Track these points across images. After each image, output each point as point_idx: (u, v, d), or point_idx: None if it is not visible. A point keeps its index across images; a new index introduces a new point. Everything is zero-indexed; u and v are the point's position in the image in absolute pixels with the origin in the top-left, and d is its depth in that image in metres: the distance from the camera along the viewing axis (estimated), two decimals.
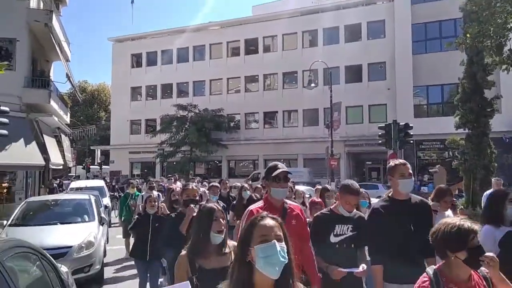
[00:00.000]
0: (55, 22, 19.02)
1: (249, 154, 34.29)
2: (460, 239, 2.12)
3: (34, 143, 16.59)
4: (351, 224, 3.53)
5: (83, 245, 7.38)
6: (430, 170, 24.34)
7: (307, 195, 8.10)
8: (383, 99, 30.01)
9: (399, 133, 14.56)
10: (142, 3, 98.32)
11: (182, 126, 33.07)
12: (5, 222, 8.22)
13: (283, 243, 1.71)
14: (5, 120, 10.08)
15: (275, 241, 1.68)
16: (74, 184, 18.04)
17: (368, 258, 3.53)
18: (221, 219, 2.74)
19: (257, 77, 35.18)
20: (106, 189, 17.26)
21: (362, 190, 6.16)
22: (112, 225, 14.48)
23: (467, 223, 2.16)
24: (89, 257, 7.36)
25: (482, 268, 2.24)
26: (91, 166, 40.04)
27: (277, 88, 34.58)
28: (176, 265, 2.68)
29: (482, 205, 8.64)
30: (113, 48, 40.65)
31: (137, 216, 6.06)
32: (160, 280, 6.10)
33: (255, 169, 32.86)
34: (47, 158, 17.89)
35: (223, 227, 2.72)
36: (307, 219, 3.68)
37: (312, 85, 21.84)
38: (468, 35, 9.32)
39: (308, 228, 3.45)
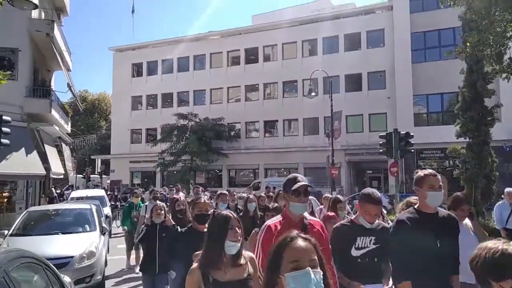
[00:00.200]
0: (56, 32, 19.15)
1: (250, 163, 34.28)
2: (505, 267, 1.82)
3: (35, 153, 16.60)
4: (374, 236, 3.31)
5: (84, 255, 7.35)
6: None
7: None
8: (383, 108, 30.09)
9: (400, 142, 14.54)
10: (143, 13, 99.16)
11: (182, 135, 33.10)
12: (6, 231, 8.17)
13: (319, 268, 1.48)
14: (7, 129, 10.09)
15: (309, 268, 1.45)
16: (75, 193, 17.99)
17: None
18: (237, 228, 2.57)
19: (257, 86, 35.31)
20: (106, 198, 17.23)
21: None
22: (112, 236, 14.40)
23: None
24: (90, 267, 7.32)
25: None
26: (91, 175, 40.04)
27: (277, 97, 34.69)
28: (188, 279, 2.49)
29: (494, 215, 8.58)
30: (113, 58, 40.87)
31: (144, 227, 5.78)
32: None
33: (255, 178, 32.82)
34: (47, 168, 17.90)
35: (239, 237, 2.55)
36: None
37: (313, 94, 21.89)
38: (468, 44, 9.36)
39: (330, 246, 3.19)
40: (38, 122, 18.45)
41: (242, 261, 2.55)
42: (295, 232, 1.62)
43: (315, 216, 5.37)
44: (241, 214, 6.87)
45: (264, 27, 35.71)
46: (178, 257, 3.87)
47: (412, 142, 15.53)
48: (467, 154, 14.84)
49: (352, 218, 3.52)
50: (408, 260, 3.03)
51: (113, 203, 20.59)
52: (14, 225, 8.45)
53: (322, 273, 1.49)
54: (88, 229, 8.54)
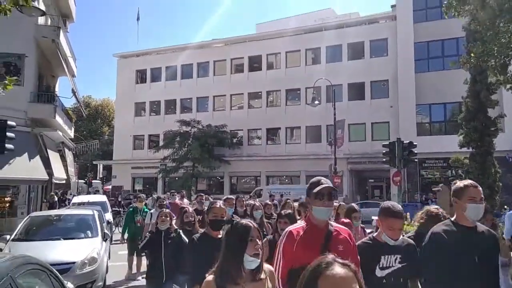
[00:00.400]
0: (62, 38, 19.27)
1: (252, 170, 34.26)
2: None
3: (38, 158, 16.63)
4: (399, 254, 3.03)
5: (86, 261, 7.30)
6: (433, 189, 24.20)
7: None
8: (385, 117, 30.09)
9: (403, 151, 14.53)
10: (148, 20, 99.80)
11: (185, 142, 33.15)
12: (8, 236, 8.15)
13: None
14: (11, 135, 10.10)
15: None
16: (76, 199, 18.01)
17: None
18: (257, 240, 2.35)
19: (260, 93, 35.40)
20: (108, 204, 17.22)
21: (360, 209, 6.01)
22: (113, 242, 14.34)
23: None
24: (92, 273, 7.28)
25: None
26: (92, 181, 40.04)
27: (280, 104, 34.76)
28: None
29: (505, 224, 8.52)
30: (118, 64, 41.10)
31: (148, 233, 5.62)
32: None
33: (257, 185, 32.76)
34: (50, 173, 17.91)
35: (260, 249, 2.33)
36: None
37: (316, 102, 21.94)
38: (472, 54, 9.38)
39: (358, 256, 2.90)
40: (42, 127, 18.49)
41: (262, 275, 2.35)
42: (330, 257, 1.37)
43: None
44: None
45: (268, 36, 35.89)
46: (182, 269, 3.76)
47: (415, 151, 15.52)
48: (470, 164, 14.84)
49: (374, 235, 3.25)
50: (442, 278, 2.81)
51: (116, 208, 20.59)
52: (16, 230, 8.43)
53: None
54: (90, 235, 8.51)
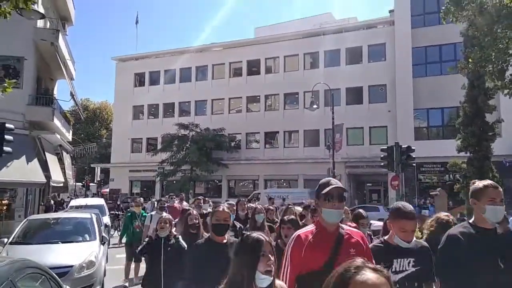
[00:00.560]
0: (61, 41, 19.28)
1: (250, 174, 34.25)
2: None
3: (35, 160, 16.59)
4: (412, 258, 2.88)
5: (84, 264, 7.29)
6: (431, 193, 24.27)
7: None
8: (383, 121, 30.16)
9: (401, 155, 14.57)
10: (147, 24, 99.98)
11: (183, 145, 33.12)
12: (5, 240, 8.13)
13: None
14: (10, 137, 10.09)
15: None
16: (74, 202, 17.97)
17: None
18: (270, 255, 2.16)
19: (258, 97, 35.44)
20: (106, 207, 17.16)
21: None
22: (111, 246, 14.28)
23: None
24: (90, 277, 7.27)
25: None
26: (90, 184, 39.98)
27: (278, 108, 34.80)
28: None
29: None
30: (116, 67, 41.12)
31: (147, 239, 5.44)
32: None
33: (255, 189, 32.75)
34: (48, 176, 17.86)
35: (272, 265, 2.14)
36: None
37: (314, 106, 21.98)
38: (470, 60, 9.45)
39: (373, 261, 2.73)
40: (40, 130, 18.47)
41: None
42: (360, 261, 1.24)
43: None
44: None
45: (266, 40, 36.00)
46: (181, 274, 3.61)
47: (413, 156, 15.56)
48: (468, 168, 14.90)
49: (385, 238, 3.07)
50: (463, 282, 2.66)
51: (115, 212, 20.52)
52: (14, 233, 8.41)
53: None
54: (88, 238, 8.49)
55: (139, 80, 40.42)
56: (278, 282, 2.28)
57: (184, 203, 12.52)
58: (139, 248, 5.46)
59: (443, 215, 4.06)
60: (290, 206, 6.56)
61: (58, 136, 20.02)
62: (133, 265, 9.81)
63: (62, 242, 8.06)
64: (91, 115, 55.78)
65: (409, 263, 2.89)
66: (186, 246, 4.81)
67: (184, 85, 37.92)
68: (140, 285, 7.88)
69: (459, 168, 16.55)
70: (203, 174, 32.64)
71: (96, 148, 48.01)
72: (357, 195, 31.83)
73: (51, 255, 7.32)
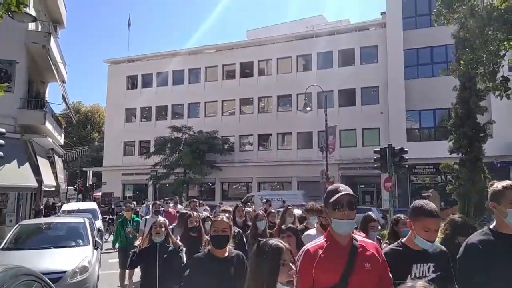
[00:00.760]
0: (52, 44, 19.13)
1: (243, 176, 34.23)
2: None
3: (27, 165, 16.41)
4: (432, 263, 2.66)
5: (77, 270, 7.22)
6: (423, 194, 24.41)
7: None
8: (376, 123, 30.33)
9: (394, 157, 14.65)
10: (139, 26, 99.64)
11: (176, 148, 33.01)
12: None
13: None
14: (1, 141, 9.97)
15: None
16: (66, 206, 17.80)
17: None
18: (291, 263, 1.97)
19: (251, 99, 35.47)
20: (98, 211, 17.03)
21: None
22: (104, 251, 14.13)
23: None
24: (83, 282, 7.19)
25: None
26: (81, 188, 39.67)
27: (271, 110, 34.85)
28: None
29: None
30: (109, 70, 40.92)
31: (134, 251, 4.90)
32: None
33: (248, 191, 32.70)
34: (39, 180, 17.69)
35: (294, 275, 1.96)
36: None
37: (308, 108, 22.03)
38: (462, 62, 9.54)
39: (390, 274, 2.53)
40: (31, 133, 18.28)
41: None
42: (420, 284, 1.15)
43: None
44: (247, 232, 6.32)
45: (259, 42, 36.07)
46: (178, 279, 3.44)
47: (406, 157, 15.64)
48: (460, 169, 15.01)
49: (403, 240, 2.83)
50: None
51: (109, 216, 20.37)
52: (6, 238, 8.31)
53: None
54: (81, 243, 8.41)
55: (132, 82, 40.24)
56: None
57: (179, 206, 12.39)
58: (128, 263, 4.93)
59: (456, 217, 3.92)
60: (289, 207, 6.45)
61: (50, 140, 19.83)
62: (127, 271, 9.64)
63: (55, 247, 7.98)
64: (83, 118, 55.39)
65: (429, 268, 2.67)
66: (185, 261, 4.58)
67: (177, 87, 37.82)
68: None
69: (451, 169, 16.67)
70: (196, 177, 32.55)
71: (88, 151, 47.66)
72: None
73: (44, 260, 7.24)
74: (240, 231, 5.96)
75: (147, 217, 9.26)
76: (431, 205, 2.66)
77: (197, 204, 9.16)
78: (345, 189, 2.46)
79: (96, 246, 8.68)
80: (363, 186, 32.65)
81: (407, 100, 28.81)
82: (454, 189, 15.15)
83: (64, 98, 21.49)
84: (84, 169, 43.85)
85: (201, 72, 37.44)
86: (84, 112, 56.91)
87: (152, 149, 35.64)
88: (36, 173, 17.19)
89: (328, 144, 23.57)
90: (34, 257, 7.29)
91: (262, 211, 6.61)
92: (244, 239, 6.00)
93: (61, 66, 22.16)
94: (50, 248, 7.91)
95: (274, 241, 2.05)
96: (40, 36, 18.27)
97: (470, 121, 14.64)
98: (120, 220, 9.78)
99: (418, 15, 29.57)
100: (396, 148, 15.03)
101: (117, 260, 9.82)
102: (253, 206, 12.26)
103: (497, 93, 9.65)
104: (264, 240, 2.09)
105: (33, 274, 2.98)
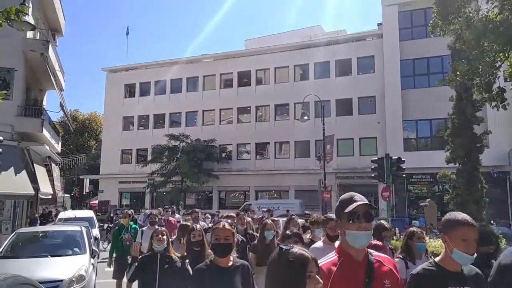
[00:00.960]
0: (51, 52, 19.18)
1: (240, 185, 34.18)
2: None
3: (24, 172, 16.35)
4: (469, 286, 2.35)
5: (74, 279, 7.15)
6: (420, 204, 24.47)
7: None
8: (373, 132, 30.44)
9: (392, 167, 14.70)
10: (137, 35, 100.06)
11: (173, 156, 32.99)
12: None
13: None
14: None
15: None
16: (63, 214, 17.70)
17: None
18: (317, 276, 1.76)
19: (249, 108, 35.56)
20: (95, 220, 16.95)
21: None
22: (100, 260, 14.02)
23: None
24: None
25: None
26: (78, 196, 39.49)
27: (269, 119, 34.94)
28: None
29: None
30: (106, 78, 40.99)
31: (134, 262, 4.55)
32: None
33: (245, 200, 32.66)
34: (36, 188, 17.62)
35: None
36: None
37: (305, 117, 22.13)
38: (458, 73, 9.63)
39: None
40: (28, 141, 18.24)
41: None
42: None
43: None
44: (255, 242, 6.10)
45: (257, 51, 36.29)
46: None
47: (403, 167, 15.70)
48: (457, 179, 15.06)
49: (436, 260, 2.51)
50: None
51: (108, 224, 20.24)
52: (2, 247, 8.26)
53: None
54: (78, 251, 8.36)
55: (129, 91, 40.31)
56: None
57: (177, 215, 12.25)
58: (128, 277, 4.69)
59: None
60: (293, 217, 6.39)
61: (47, 148, 19.79)
62: (124, 279, 9.50)
63: (52, 256, 7.92)
64: (80, 126, 55.26)
65: None
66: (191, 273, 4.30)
67: (175, 96, 37.91)
68: None
69: (449, 179, 16.74)
70: (194, 185, 32.49)
71: (85, 159, 47.52)
72: None
73: (41, 269, 7.18)
74: (244, 239, 5.86)
75: (144, 228, 9.00)
76: (464, 214, 2.45)
77: (199, 215, 8.71)
78: (361, 198, 2.29)
79: (93, 254, 8.63)
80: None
81: (403, 110, 28.97)
82: (451, 199, 15.20)
83: (61, 106, 21.50)
84: (81, 177, 43.69)
85: (199, 80, 37.57)
86: (81, 120, 56.80)
87: (149, 157, 35.58)
88: (33, 181, 17.13)
89: (326, 153, 23.63)
90: (31, 265, 7.24)
91: (270, 221, 6.33)
92: (247, 249, 5.92)
93: (59, 74, 22.20)
94: (47, 257, 7.85)
95: (297, 249, 1.81)
96: (39, 44, 18.33)
97: (467, 131, 14.75)
98: (117, 227, 9.53)
99: (414, 26, 29.88)
100: (393, 157, 15.09)
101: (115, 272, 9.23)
102: (255, 215, 11.97)
103: (493, 103, 9.73)
104: (287, 247, 1.83)
105: (31, 283, 2.97)
